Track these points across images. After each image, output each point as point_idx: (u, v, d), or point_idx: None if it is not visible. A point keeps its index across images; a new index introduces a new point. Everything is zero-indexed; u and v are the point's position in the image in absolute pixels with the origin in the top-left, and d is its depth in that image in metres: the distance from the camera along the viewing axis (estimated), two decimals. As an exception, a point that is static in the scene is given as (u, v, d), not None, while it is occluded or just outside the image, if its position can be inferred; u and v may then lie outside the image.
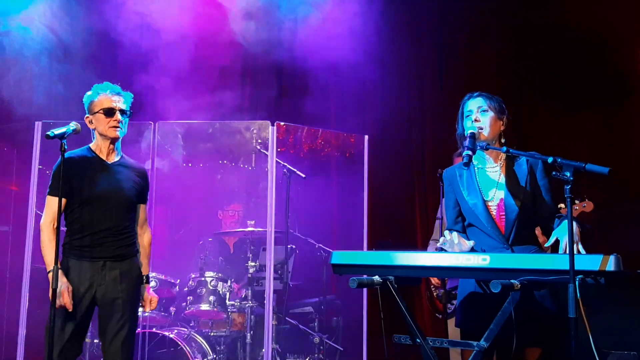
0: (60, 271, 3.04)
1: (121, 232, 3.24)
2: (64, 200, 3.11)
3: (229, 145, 5.34)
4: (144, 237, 3.44)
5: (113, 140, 3.27)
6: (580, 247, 2.56)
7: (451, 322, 4.54)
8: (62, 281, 3.06)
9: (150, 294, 3.41)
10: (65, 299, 3.03)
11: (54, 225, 3.13)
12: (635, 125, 5.48)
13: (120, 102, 3.27)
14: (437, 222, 4.74)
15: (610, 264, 2.27)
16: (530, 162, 2.92)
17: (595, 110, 5.52)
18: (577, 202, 4.17)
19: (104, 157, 3.28)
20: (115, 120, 3.22)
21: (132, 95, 3.38)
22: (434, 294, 4.60)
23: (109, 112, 3.23)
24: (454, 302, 4.41)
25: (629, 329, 3.76)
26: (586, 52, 5.62)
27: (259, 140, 5.01)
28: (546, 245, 2.79)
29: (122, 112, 3.25)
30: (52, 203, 3.16)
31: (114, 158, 3.31)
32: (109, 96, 3.26)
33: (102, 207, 3.18)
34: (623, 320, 3.77)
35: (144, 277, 3.39)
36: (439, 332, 5.04)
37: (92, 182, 3.19)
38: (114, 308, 3.16)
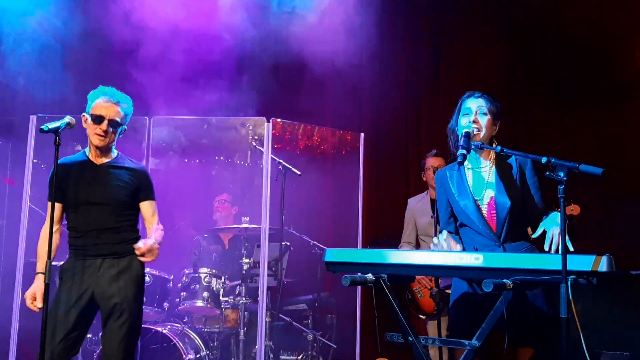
0: (41, 277, 3.11)
1: (115, 231, 3.24)
2: (60, 205, 3.26)
3: (224, 141, 5.34)
4: (151, 227, 3.40)
5: (98, 147, 3.27)
6: (567, 241, 2.56)
7: (431, 324, 4.57)
8: (34, 286, 3.15)
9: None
10: (27, 302, 3.14)
11: (49, 233, 3.19)
12: (631, 125, 5.49)
13: (112, 110, 3.21)
14: (412, 224, 4.87)
15: (603, 265, 2.28)
16: (520, 160, 2.93)
17: (590, 110, 5.53)
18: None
19: (93, 160, 3.30)
20: (101, 129, 3.20)
21: (131, 102, 3.35)
22: (417, 295, 4.62)
23: (98, 120, 3.21)
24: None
25: (621, 330, 3.76)
26: (583, 52, 5.62)
27: (255, 137, 5.00)
28: (533, 236, 2.80)
29: (113, 122, 3.22)
30: (48, 208, 3.23)
31: (104, 160, 3.31)
32: (103, 103, 3.23)
33: (89, 209, 3.21)
34: (615, 321, 3.78)
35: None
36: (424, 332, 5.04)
37: (80, 185, 3.22)
38: (112, 306, 3.16)
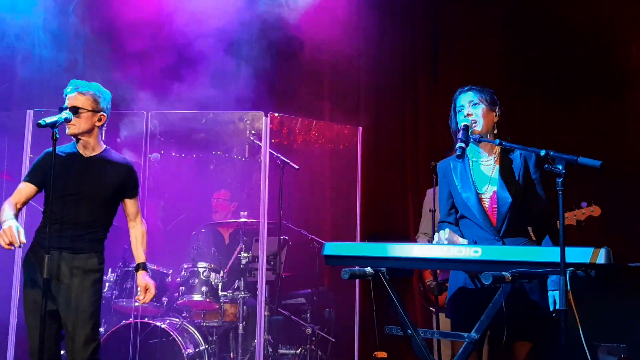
0: (11, 220, 3.04)
1: (89, 226, 3.24)
2: (35, 189, 3.22)
3: (222, 135, 5.33)
4: (136, 230, 3.46)
5: (75, 136, 3.27)
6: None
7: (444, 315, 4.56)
8: (8, 224, 3.01)
9: (145, 280, 3.36)
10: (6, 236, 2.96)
11: (16, 205, 3.19)
12: (630, 118, 5.50)
13: (73, 99, 3.23)
14: (430, 215, 4.78)
15: (601, 257, 2.28)
16: (524, 155, 2.93)
17: (589, 104, 5.54)
18: (584, 206, 4.19)
19: (82, 152, 3.30)
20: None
21: (100, 89, 3.32)
22: (427, 285, 4.61)
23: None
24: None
25: (617, 322, 3.78)
26: (582, 46, 5.62)
27: (253, 131, 4.99)
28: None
29: (75, 110, 3.20)
30: (21, 186, 3.25)
31: (92, 153, 3.31)
32: (67, 95, 3.27)
33: (70, 201, 3.20)
34: (612, 313, 3.79)
35: (139, 265, 3.40)
36: (430, 324, 5.06)
37: (64, 176, 3.21)
38: (68, 302, 3.14)
